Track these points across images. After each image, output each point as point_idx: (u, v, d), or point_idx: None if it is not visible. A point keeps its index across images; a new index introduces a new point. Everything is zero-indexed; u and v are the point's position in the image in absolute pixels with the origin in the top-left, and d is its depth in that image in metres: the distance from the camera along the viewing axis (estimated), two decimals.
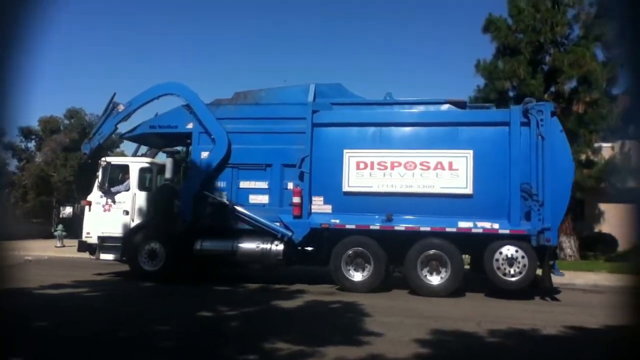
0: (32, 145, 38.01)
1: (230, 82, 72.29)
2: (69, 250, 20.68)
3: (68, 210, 29.77)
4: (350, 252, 11.13)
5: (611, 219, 20.88)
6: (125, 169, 12.63)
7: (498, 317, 8.44)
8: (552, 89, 19.03)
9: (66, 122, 37.79)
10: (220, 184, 12.01)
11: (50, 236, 25.14)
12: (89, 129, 37.00)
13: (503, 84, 18.87)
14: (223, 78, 71.45)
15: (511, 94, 19.10)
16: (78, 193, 34.01)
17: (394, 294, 10.99)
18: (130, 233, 12.05)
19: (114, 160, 12.72)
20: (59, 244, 22.25)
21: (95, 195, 12.54)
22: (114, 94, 12.71)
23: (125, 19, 70.25)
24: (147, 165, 12.72)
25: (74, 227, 27.00)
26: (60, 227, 23.64)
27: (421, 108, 11.60)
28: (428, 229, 10.82)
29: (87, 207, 12.66)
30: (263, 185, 11.82)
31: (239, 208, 11.72)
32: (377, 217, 11.06)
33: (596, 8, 18.35)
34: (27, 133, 37.14)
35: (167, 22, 74.81)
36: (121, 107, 12.59)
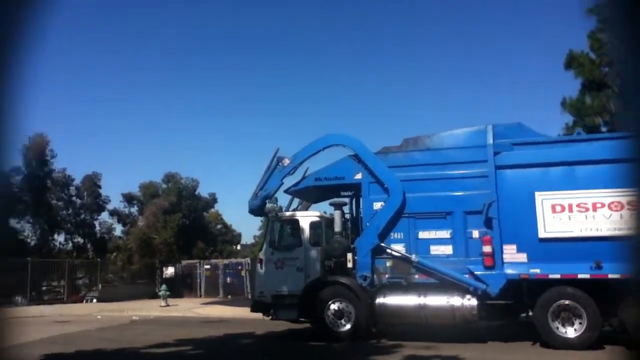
0: (134, 210, 40.12)
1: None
2: (173, 309, 21.48)
3: (170, 271, 30.79)
4: (557, 305, 10.21)
5: None
6: (295, 223, 12.35)
7: None
8: None
9: (164, 186, 39.68)
10: (397, 235, 11.51)
11: (155, 296, 25.94)
12: (185, 191, 39.11)
13: (594, 119, 18.22)
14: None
15: (604, 129, 18.17)
16: (179, 254, 35.19)
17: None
18: (307, 291, 11.60)
19: (284, 215, 12.44)
20: (163, 304, 22.97)
21: (266, 253, 12.31)
22: (277, 149, 12.62)
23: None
24: (317, 219, 12.40)
25: (176, 286, 27.87)
26: (164, 287, 24.40)
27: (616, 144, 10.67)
28: None
29: (258, 265, 12.46)
30: (445, 234, 11.20)
31: (422, 260, 11.13)
32: (583, 264, 10.13)
33: None
34: (129, 199, 39.29)
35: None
36: (286, 161, 12.42)
